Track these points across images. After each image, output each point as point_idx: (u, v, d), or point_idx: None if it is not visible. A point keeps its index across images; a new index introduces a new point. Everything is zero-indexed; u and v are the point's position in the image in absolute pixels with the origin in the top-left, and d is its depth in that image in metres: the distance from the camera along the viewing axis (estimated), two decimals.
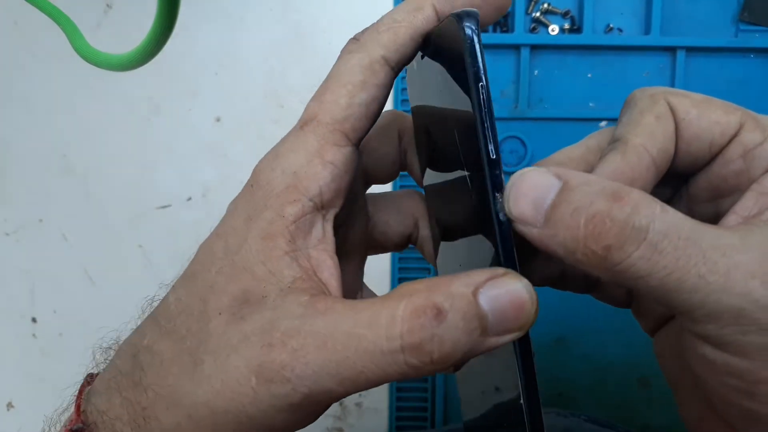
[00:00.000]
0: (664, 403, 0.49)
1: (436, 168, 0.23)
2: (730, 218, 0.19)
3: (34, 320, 0.51)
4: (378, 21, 0.21)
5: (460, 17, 0.18)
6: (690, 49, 0.47)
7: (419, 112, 0.24)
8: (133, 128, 0.49)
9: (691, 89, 0.50)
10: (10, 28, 0.49)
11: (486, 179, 0.18)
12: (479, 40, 0.18)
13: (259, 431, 0.19)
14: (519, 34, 0.47)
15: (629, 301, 0.24)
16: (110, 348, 0.23)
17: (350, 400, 0.51)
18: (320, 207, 0.20)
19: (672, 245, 0.16)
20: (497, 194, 0.18)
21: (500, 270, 0.18)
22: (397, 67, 0.21)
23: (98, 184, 0.50)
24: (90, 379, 0.22)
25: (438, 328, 0.17)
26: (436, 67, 0.21)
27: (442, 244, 0.24)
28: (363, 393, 0.50)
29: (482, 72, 0.18)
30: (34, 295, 0.50)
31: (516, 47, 0.47)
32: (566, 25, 0.47)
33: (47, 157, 0.49)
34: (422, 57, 0.21)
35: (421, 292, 0.18)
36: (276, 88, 0.49)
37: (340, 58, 0.21)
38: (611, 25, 0.47)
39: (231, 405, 0.18)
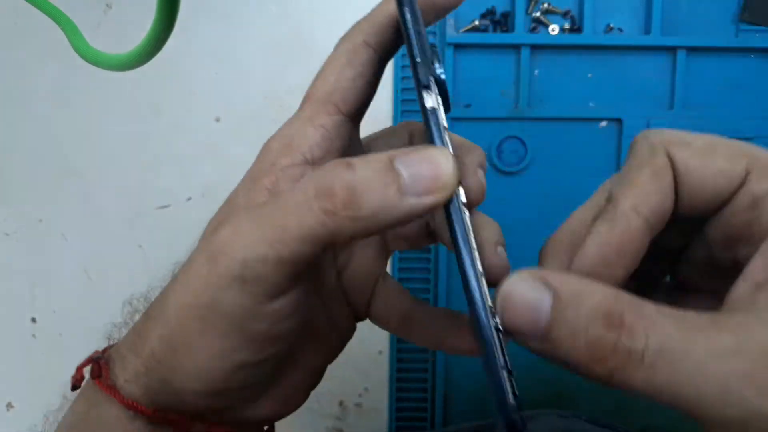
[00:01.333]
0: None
1: None
2: (741, 286, 0.18)
3: (33, 320, 0.51)
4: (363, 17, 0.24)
5: None
6: (690, 49, 0.47)
7: None
8: (133, 128, 0.49)
9: (691, 89, 0.50)
10: (10, 28, 0.49)
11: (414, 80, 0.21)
12: None
13: (220, 325, 0.20)
14: (519, 34, 0.47)
15: None
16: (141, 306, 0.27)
17: (350, 401, 0.50)
18: (311, 162, 0.23)
19: (667, 362, 0.16)
20: (424, 91, 0.20)
21: (420, 145, 0.20)
22: (379, 48, 0.23)
23: (98, 184, 0.50)
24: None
25: (347, 173, 0.19)
26: None
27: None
28: (363, 393, 0.50)
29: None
30: (33, 295, 0.50)
31: (516, 47, 0.47)
32: (566, 25, 0.47)
33: (47, 157, 0.49)
34: None
35: (340, 157, 0.20)
36: (276, 88, 0.49)
37: (331, 53, 0.24)
38: (611, 25, 0.47)
39: (189, 299, 0.20)
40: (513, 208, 0.48)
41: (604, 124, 0.48)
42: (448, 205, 0.19)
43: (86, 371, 0.24)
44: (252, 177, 0.23)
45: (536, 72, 0.47)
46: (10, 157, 0.49)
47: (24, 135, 0.49)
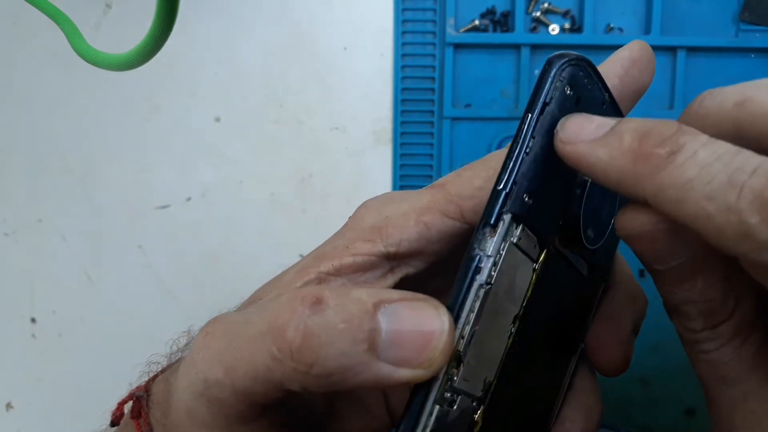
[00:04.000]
0: (665, 403, 0.49)
1: None
2: None
3: (33, 320, 0.50)
4: None
5: (550, 60, 0.17)
6: (690, 49, 0.47)
7: None
8: (133, 128, 0.49)
9: (691, 89, 0.50)
10: (9, 28, 0.49)
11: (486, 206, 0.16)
12: (557, 76, 0.17)
13: (202, 429, 0.18)
14: (519, 33, 0.46)
15: None
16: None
17: None
18: (392, 257, 0.20)
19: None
20: (486, 229, 0.16)
21: (420, 295, 0.16)
22: None
23: (97, 184, 0.49)
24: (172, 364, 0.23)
25: (309, 317, 0.15)
26: None
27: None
28: None
29: (538, 105, 0.17)
30: (33, 295, 0.50)
31: (516, 47, 0.47)
32: (566, 25, 0.47)
33: (46, 157, 0.49)
34: None
35: (319, 287, 0.16)
36: (276, 88, 0.49)
37: (497, 151, 0.21)
38: (611, 25, 0.47)
39: (180, 393, 0.19)
40: None
41: None
42: (419, 388, 0.15)
43: (126, 407, 0.22)
44: (318, 254, 0.20)
45: (536, 72, 0.47)
46: (10, 157, 0.49)
47: (24, 135, 0.49)
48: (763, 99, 0.15)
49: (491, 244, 0.16)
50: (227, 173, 0.49)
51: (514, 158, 0.16)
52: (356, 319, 0.15)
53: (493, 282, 0.16)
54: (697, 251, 0.16)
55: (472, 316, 0.15)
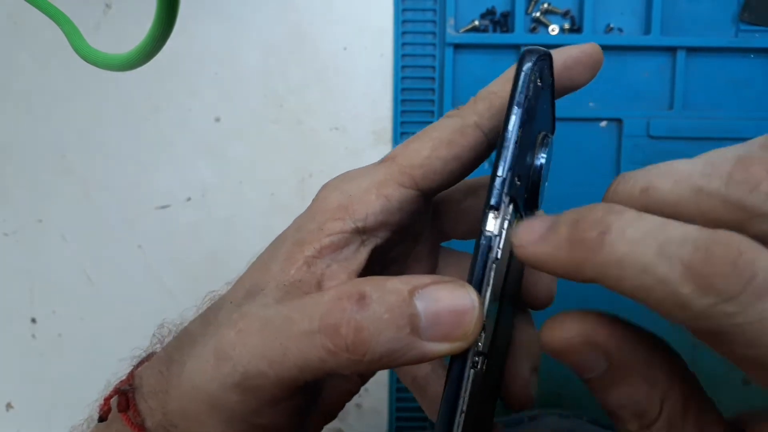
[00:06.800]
0: None
1: None
2: None
3: (33, 320, 0.51)
4: (478, 94, 0.23)
5: (522, 54, 0.19)
6: (690, 49, 0.47)
7: None
8: (133, 128, 0.49)
9: (691, 89, 0.50)
10: (9, 27, 0.49)
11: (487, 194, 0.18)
12: (533, 72, 0.19)
13: (224, 414, 0.20)
14: (519, 34, 0.47)
15: None
16: (171, 332, 0.26)
17: (350, 401, 0.50)
18: (362, 231, 0.21)
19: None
20: (492, 212, 0.18)
21: (447, 278, 0.18)
22: (491, 134, 0.22)
23: (97, 185, 0.49)
24: (151, 355, 0.25)
25: (358, 313, 0.17)
26: None
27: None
28: (362, 393, 0.50)
29: (523, 101, 0.18)
30: (33, 295, 0.50)
31: (516, 47, 0.47)
32: (566, 25, 0.47)
33: (46, 157, 0.49)
34: None
35: (357, 283, 0.18)
36: (276, 88, 0.49)
37: (438, 121, 0.22)
38: (611, 25, 0.47)
39: (199, 382, 0.20)
40: None
41: (604, 124, 0.48)
42: (456, 358, 0.17)
43: (113, 402, 0.23)
44: (297, 240, 0.21)
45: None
46: (10, 157, 0.49)
47: (23, 135, 0.49)
48: (662, 186, 0.16)
49: (497, 225, 0.18)
50: (227, 173, 0.49)
51: (510, 147, 0.18)
52: (396, 307, 0.17)
53: (499, 257, 0.18)
54: (614, 358, 0.17)
55: (489, 289, 0.18)
